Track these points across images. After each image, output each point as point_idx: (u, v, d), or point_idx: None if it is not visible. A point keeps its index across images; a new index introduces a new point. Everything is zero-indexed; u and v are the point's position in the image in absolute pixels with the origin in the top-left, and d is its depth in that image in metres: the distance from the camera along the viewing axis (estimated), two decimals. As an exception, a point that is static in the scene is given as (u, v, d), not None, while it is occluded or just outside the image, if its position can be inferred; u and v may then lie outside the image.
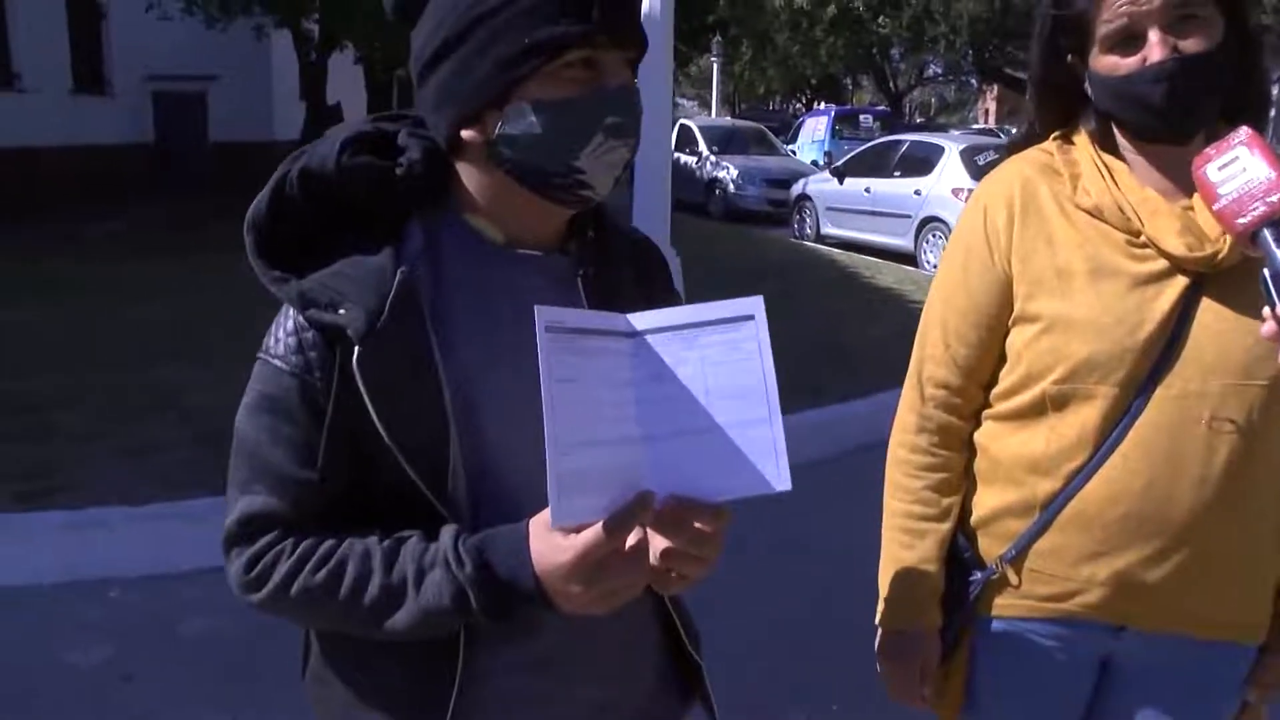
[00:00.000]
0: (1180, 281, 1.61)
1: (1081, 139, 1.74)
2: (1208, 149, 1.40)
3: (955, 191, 13.82)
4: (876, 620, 1.88)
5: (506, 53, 1.23)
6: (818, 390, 6.98)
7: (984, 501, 1.80)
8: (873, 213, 15.38)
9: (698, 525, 1.18)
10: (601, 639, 1.39)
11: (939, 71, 45.32)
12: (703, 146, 21.04)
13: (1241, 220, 1.33)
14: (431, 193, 1.34)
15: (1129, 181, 1.67)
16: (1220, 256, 1.58)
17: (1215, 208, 1.37)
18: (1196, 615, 1.69)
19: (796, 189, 17.63)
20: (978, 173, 13.82)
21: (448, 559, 1.21)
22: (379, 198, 1.30)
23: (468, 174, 1.33)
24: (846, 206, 15.98)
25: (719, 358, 1.18)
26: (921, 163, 14.84)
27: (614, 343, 1.17)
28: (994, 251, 1.73)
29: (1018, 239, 1.71)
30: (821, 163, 22.37)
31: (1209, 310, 1.60)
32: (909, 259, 14.37)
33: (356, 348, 1.21)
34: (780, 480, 1.17)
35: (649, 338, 1.18)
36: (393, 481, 1.25)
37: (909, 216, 14.60)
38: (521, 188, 1.30)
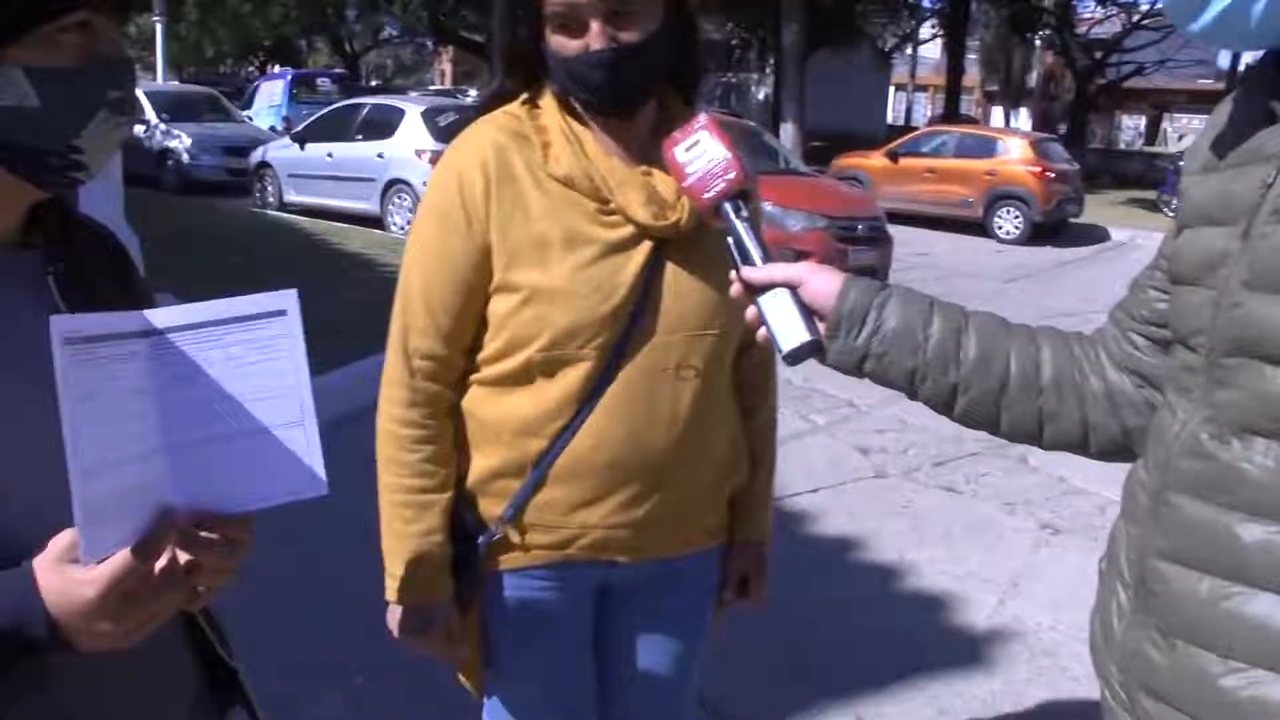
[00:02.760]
0: (645, 246, 1.75)
1: (548, 103, 1.80)
2: (675, 133, 1.55)
3: (418, 153, 13.93)
4: (388, 596, 1.85)
5: None
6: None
7: (477, 465, 1.83)
8: (336, 178, 15.11)
9: (225, 536, 1.09)
10: (131, 672, 1.21)
11: (395, 34, 45.40)
12: (151, 114, 19.59)
13: (707, 195, 1.49)
14: None
15: (596, 151, 1.77)
16: (681, 223, 1.74)
17: (684, 184, 1.52)
18: (676, 539, 1.90)
19: (256, 156, 16.92)
20: (440, 134, 14.00)
21: None
22: None
23: None
24: (309, 173, 15.58)
25: (248, 356, 1.09)
26: (383, 126, 14.78)
27: (133, 345, 1.04)
28: (472, 220, 1.74)
29: (495, 208, 1.73)
30: (280, 128, 21.70)
31: (671, 271, 1.77)
32: (376, 223, 14.33)
33: None
34: (315, 484, 1.11)
35: (171, 336, 1.06)
36: None
37: (373, 180, 14.52)
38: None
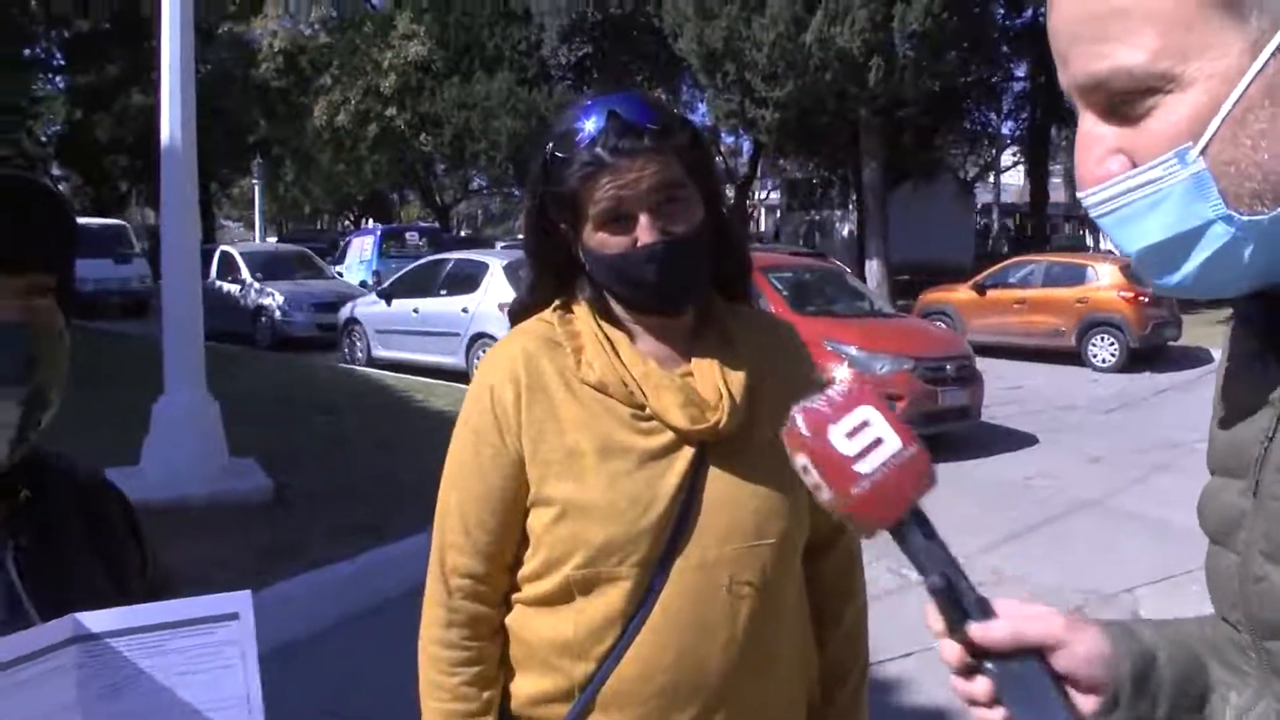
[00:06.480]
0: (687, 452, 1.64)
1: (581, 309, 1.73)
2: (816, 405, 1.03)
3: (501, 307, 14.05)
4: None
5: None
6: (379, 529, 6.80)
7: (522, 688, 1.72)
8: (423, 333, 15.38)
9: None
10: None
11: (483, 184, 46.72)
12: (245, 273, 20.33)
13: (900, 514, 1.02)
14: None
15: (631, 354, 1.68)
16: (722, 424, 1.63)
17: (854, 490, 1.00)
18: None
19: (345, 312, 17.33)
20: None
21: None
22: None
23: None
24: (396, 328, 15.89)
25: (191, 666, 0.97)
26: (468, 280, 15.10)
27: (62, 656, 0.92)
28: (505, 433, 1.66)
29: (526, 419, 1.65)
30: (370, 283, 22.29)
31: (716, 478, 1.65)
32: (463, 377, 14.45)
33: None
34: None
35: (107, 642, 0.94)
36: None
37: (459, 335, 14.74)
38: None
